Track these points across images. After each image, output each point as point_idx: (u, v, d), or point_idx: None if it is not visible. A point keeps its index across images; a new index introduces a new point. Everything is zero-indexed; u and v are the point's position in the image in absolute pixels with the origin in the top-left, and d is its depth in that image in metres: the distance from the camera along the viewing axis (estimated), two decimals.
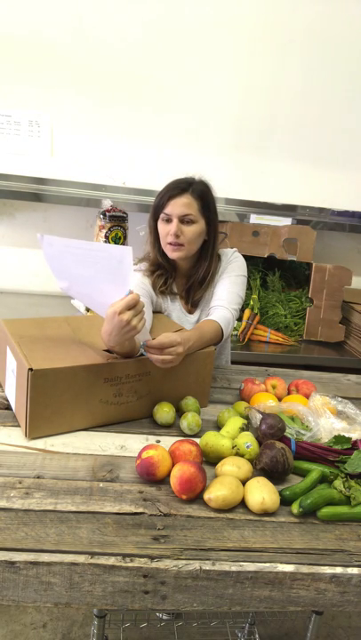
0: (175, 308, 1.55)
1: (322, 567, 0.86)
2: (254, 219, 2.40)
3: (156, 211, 1.45)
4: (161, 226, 1.45)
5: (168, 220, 1.43)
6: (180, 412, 1.27)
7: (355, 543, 0.93)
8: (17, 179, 2.33)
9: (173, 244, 1.43)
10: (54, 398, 1.10)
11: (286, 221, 2.41)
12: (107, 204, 2.18)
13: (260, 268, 2.50)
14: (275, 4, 2.26)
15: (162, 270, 1.53)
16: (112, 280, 1.06)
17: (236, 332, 2.31)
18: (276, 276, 2.48)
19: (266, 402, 1.29)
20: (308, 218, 2.48)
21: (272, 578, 0.85)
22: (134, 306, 1.06)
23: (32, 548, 0.82)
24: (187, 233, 1.42)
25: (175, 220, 1.41)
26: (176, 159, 2.38)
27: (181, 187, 1.42)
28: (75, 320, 1.38)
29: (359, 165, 2.53)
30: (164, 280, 1.53)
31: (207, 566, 0.83)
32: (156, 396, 1.25)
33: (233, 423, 1.18)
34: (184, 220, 1.41)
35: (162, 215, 1.44)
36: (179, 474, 0.97)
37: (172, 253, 1.45)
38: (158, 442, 1.16)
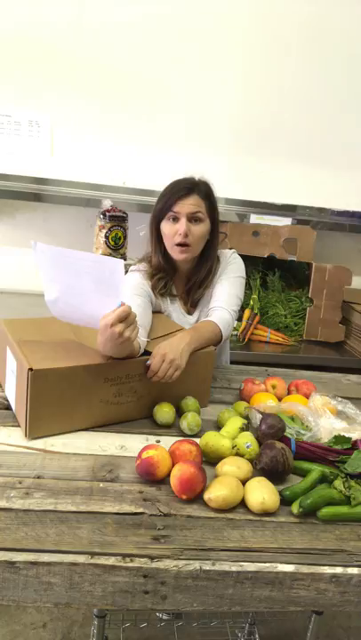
0: (174, 309, 1.55)
1: (322, 567, 0.86)
2: (254, 219, 2.40)
3: (162, 212, 1.43)
4: (167, 226, 1.43)
5: (175, 219, 1.41)
6: (180, 412, 1.27)
7: (355, 543, 0.93)
8: (17, 179, 2.33)
9: (181, 245, 1.42)
10: (54, 398, 1.10)
11: (286, 221, 2.41)
12: (107, 204, 2.18)
13: (259, 268, 2.50)
14: (273, 5, 2.26)
15: (163, 273, 1.51)
16: (104, 291, 1.05)
17: (236, 332, 2.31)
18: (276, 276, 2.48)
19: (266, 402, 1.29)
20: (308, 218, 2.48)
21: (272, 578, 0.85)
22: (126, 318, 1.05)
23: (32, 548, 0.82)
24: (194, 232, 1.41)
25: (183, 219, 1.40)
26: (176, 159, 2.38)
27: (188, 187, 1.41)
28: None
29: (359, 165, 2.53)
30: (164, 283, 1.52)
31: (207, 566, 0.83)
32: (156, 396, 1.25)
33: (233, 423, 1.18)
34: (192, 218, 1.41)
35: (169, 214, 1.41)
36: (179, 474, 0.97)
37: (179, 255, 1.43)
38: (158, 442, 1.16)
